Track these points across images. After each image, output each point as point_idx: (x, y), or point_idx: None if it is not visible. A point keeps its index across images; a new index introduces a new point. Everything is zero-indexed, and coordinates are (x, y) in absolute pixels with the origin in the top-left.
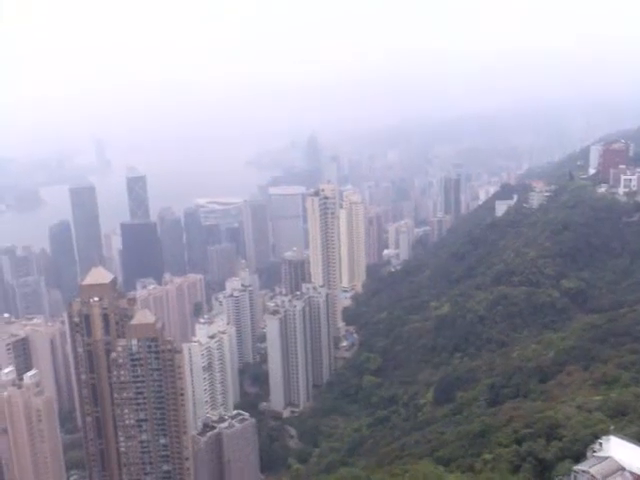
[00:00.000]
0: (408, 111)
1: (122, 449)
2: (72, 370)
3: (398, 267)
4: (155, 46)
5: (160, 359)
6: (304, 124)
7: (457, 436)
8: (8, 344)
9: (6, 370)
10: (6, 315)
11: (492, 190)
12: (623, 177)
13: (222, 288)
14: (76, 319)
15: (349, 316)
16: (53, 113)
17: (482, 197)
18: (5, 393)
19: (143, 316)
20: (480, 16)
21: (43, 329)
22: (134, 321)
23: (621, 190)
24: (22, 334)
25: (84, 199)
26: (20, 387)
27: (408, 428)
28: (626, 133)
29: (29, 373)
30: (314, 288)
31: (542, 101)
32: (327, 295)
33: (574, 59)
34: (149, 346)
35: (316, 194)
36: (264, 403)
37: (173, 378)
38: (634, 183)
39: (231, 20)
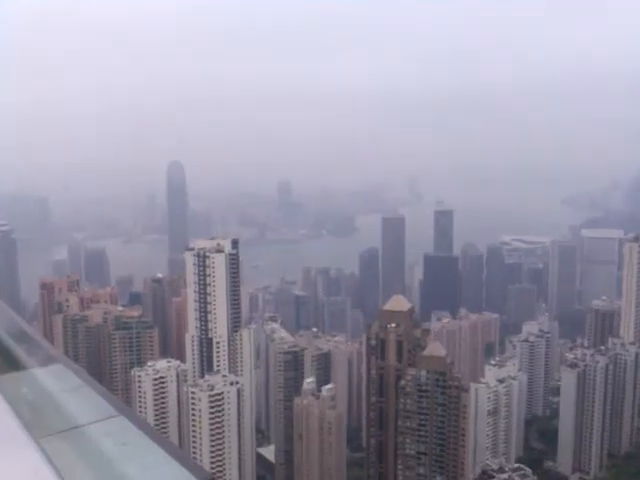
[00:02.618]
0: None
1: (400, 478)
2: (363, 391)
3: None
4: None
5: (446, 394)
6: (629, 163)
7: None
8: (313, 356)
9: (309, 380)
10: (314, 329)
11: None
12: None
13: (518, 331)
14: (373, 342)
15: None
16: (373, 148)
17: None
18: (305, 401)
19: (435, 348)
20: None
21: (343, 347)
22: (426, 352)
23: None
24: (325, 349)
25: (394, 228)
26: (318, 398)
27: None
28: None
29: (327, 386)
30: (622, 344)
31: None
32: (637, 354)
33: None
34: (437, 379)
35: (636, 240)
36: (549, 463)
37: (457, 416)
38: None
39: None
